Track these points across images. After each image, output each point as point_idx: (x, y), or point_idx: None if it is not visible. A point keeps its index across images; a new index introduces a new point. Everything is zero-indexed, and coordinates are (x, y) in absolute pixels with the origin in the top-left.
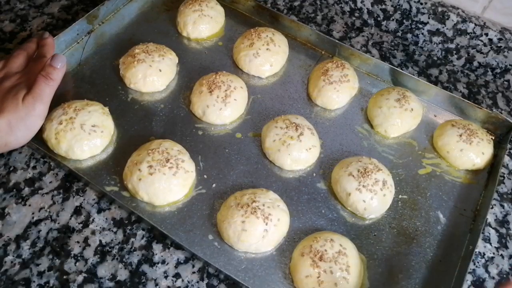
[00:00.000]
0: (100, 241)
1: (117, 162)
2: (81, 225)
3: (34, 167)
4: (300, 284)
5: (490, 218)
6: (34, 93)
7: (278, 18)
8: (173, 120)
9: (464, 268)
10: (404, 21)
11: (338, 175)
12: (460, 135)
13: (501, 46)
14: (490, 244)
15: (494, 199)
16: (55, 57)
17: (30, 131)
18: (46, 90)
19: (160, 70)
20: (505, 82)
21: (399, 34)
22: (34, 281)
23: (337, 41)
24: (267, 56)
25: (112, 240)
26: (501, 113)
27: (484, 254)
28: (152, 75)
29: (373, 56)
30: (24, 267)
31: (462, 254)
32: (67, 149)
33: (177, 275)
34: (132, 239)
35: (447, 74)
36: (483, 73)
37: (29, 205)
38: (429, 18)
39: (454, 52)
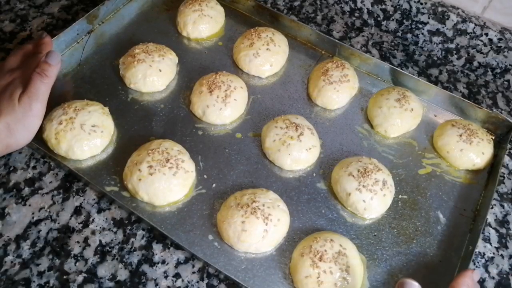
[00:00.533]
0: (100, 241)
1: (117, 162)
2: (81, 225)
3: (34, 167)
4: (300, 284)
5: (490, 218)
6: (30, 92)
7: (278, 18)
8: (173, 120)
9: (464, 268)
10: (404, 21)
11: (338, 175)
12: (460, 135)
13: (501, 46)
14: (490, 244)
15: (494, 199)
16: (49, 54)
17: (29, 131)
18: (42, 88)
19: (160, 70)
20: (505, 82)
21: (399, 34)
22: (34, 281)
23: (337, 40)
24: (267, 56)
25: (112, 240)
26: (501, 113)
27: (484, 254)
28: (152, 75)
29: (373, 56)
30: (24, 267)
31: (462, 254)
32: (67, 149)
33: (177, 275)
34: (132, 239)
35: (447, 74)
36: (483, 73)
37: (29, 205)
38: (429, 18)
39: (454, 52)
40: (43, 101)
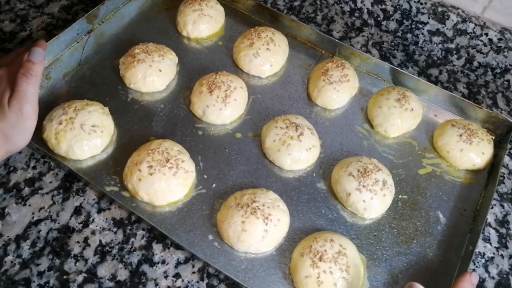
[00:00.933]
0: (100, 241)
1: (117, 162)
2: (81, 225)
3: (34, 167)
4: (300, 284)
5: (490, 218)
6: (17, 96)
7: (278, 18)
8: (173, 120)
9: (464, 268)
10: (404, 21)
11: (338, 175)
12: (460, 135)
13: (501, 46)
14: (490, 244)
15: (494, 199)
16: (32, 51)
17: (25, 133)
18: (29, 89)
19: (160, 70)
20: (505, 82)
21: (399, 34)
22: (34, 281)
23: (337, 40)
24: (267, 56)
25: (112, 240)
26: (501, 113)
27: (484, 254)
28: (152, 75)
29: (373, 56)
30: (24, 267)
31: (462, 254)
32: (67, 149)
33: (177, 275)
34: (132, 239)
35: (447, 74)
36: (483, 73)
37: (29, 205)
38: (429, 18)
39: (454, 52)
40: (33, 102)
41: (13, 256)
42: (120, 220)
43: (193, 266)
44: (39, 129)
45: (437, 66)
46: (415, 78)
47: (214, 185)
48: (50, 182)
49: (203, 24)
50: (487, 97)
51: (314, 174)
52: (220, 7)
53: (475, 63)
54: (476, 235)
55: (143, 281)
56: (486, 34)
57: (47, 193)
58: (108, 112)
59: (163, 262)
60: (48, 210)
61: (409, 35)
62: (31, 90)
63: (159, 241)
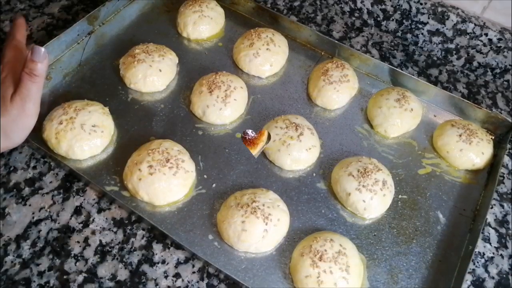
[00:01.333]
0: (100, 241)
1: (117, 162)
2: (81, 225)
3: (34, 167)
4: (300, 284)
5: (490, 218)
6: (21, 94)
7: (278, 19)
8: (173, 120)
9: (464, 268)
10: (404, 21)
11: (338, 175)
12: (460, 135)
13: (501, 46)
14: (490, 244)
15: (494, 199)
16: (35, 50)
17: (24, 130)
18: (33, 88)
19: (160, 70)
20: (505, 82)
21: (399, 34)
22: (34, 281)
23: (336, 41)
24: (267, 56)
25: (112, 240)
26: (501, 113)
27: (484, 254)
28: (152, 75)
29: (373, 56)
30: (24, 267)
31: (462, 254)
32: (67, 149)
33: (177, 275)
34: (132, 239)
35: (447, 74)
36: (483, 73)
37: (29, 205)
38: (429, 18)
39: (454, 52)
40: (36, 100)
41: (13, 256)
42: (120, 220)
43: (193, 266)
44: (39, 129)
45: (437, 66)
46: (414, 79)
47: (214, 185)
48: (50, 182)
49: (203, 25)
50: (487, 97)
51: (314, 174)
52: (220, 9)
53: (475, 63)
54: (476, 235)
55: (143, 281)
56: (486, 34)
57: (47, 193)
58: (108, 112)
59: (163, 262)
60: (48, 210)
61: (409, 35)
62: (35, 89)
63: (159, 241)
